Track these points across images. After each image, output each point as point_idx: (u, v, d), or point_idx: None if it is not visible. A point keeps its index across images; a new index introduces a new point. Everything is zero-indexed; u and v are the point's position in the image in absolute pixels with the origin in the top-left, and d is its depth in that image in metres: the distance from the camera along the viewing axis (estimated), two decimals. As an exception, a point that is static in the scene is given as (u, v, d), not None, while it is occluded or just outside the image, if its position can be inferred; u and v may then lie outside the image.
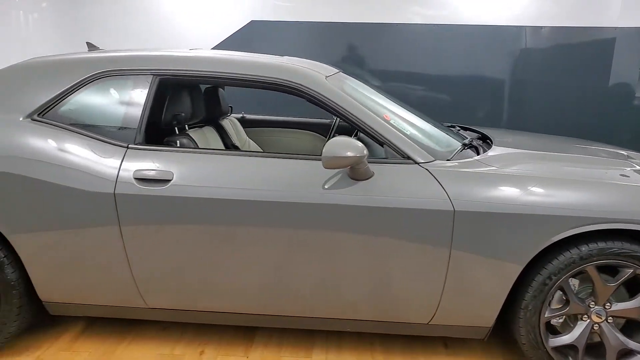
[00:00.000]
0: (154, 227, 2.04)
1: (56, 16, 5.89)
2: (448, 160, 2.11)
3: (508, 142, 2.56)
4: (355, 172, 1.98)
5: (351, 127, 3.04)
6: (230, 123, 3.16)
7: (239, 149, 3.09)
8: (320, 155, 1.99)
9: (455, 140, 2.41)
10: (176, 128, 2.40)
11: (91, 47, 2.77)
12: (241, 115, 3.58)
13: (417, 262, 2.03)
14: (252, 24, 6.08)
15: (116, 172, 2.04)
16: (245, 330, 2.53)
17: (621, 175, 2.12)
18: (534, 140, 2.77)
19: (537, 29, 5.67)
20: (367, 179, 2.01)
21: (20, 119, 2.13)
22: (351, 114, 2.09)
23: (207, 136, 2.65)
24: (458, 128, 3.03)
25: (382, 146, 2.09)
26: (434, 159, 2.08)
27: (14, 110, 2.15)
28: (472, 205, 1.96)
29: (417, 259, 2.03)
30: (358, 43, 5.87)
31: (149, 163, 2.05)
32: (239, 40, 6.08)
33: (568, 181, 2.02)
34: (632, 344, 2.10)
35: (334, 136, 3.11)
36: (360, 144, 1.91)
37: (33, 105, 2.15)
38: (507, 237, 1.98)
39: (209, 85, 2.93)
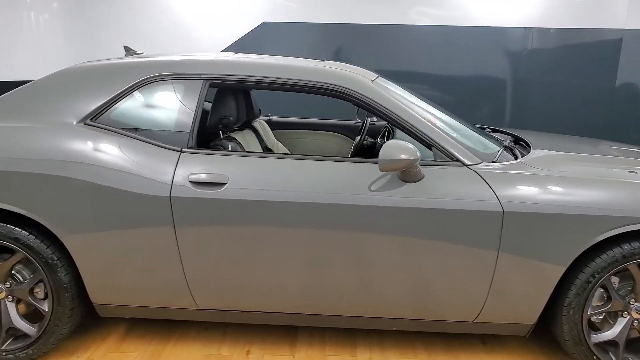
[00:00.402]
0: (208, 229, 2.08)
1: (66, 17, 5.89)
2: (493, 162, 2.16)
3: (545, 144, 2.62)
4: (408, 174, 2.03)
5: (390, 129, 3.08)
6: (261, 125, 3.20)
7: (272, 151, 3.12)
8: (365, 158, 2.04)
9: (492, 143, 2.47)
10: (221, 131, 2.43)
11: (129, 50, 2.80)
12: (268, 117, 3.62)
13: (465, 262, 2.08)
14: (264, 26, 6.11)
15: (171, 176, 2.07)
16: (286, 329, 2.57)
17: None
18: (569, 143, 2.83)
19: (546, 31, 5.75)
20: (418, 181, 2.06)
21: (74, 123, 2.16)
22: (400, 117, 2.14)
23: (247, 139, 2.69)
24: (489, 130, 3.09)
25: (430, 149, 2.14)
26: (480, 161, 2.13)
27: (67, 115, 2.18)
28: (521, 206, 2.02)
29: (466, 259, 2.08)
30: (369, 44, 5.92)
31: (204, 167, 2.09)
32: (251, 41, 6.11)
33: (611, 182, 2.09)
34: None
35: (365, 138, 3.16)
36: (413, 147, 1.96)
37: (86, 109, 2.18)
38: (553, 237, 2.04)
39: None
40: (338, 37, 6.01)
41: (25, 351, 2.24)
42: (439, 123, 2.24)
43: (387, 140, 3.22)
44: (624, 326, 2.18)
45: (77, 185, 2.06)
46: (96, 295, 2.23)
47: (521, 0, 5.59)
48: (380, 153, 1.94)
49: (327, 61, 2.55)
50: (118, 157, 2.09)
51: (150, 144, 2.13)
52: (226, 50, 6.10)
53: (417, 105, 2.37)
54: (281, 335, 2.52)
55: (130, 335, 2.50)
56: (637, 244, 2.06)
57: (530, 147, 2.53)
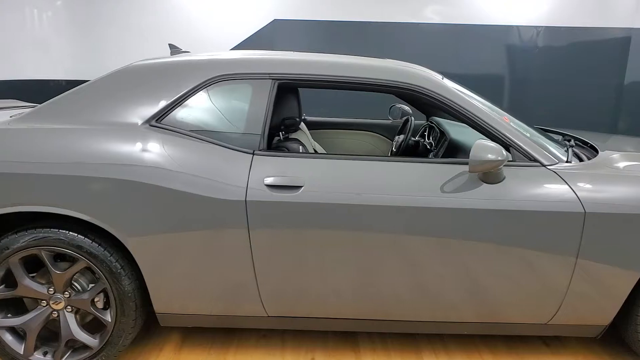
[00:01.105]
0: (284, 233, 2.00)
1: (71, 13, 5.71)
2: (567, 162, 2.13)
3: (608, 144, 2.60)
4: (491, 175, 1.99)
5: (431, 128, 3.04)
6: (302, 126, 3.13)
7: (317, 151, 3.06)
8: (444, 159, 1.99)
9: (557, 143, 2.44)
10: (281, 132, 2.36)
11: (173, 48, 2.70)
12: (302, 117, 3.55)
13: (543, 265, 2.05)
14: (275, 23, 6.03)
15: (246, 180, 1.99)
16: (345, 335, 2.51)
17: None
18: (627, 142, 2.81)
19: (557, 29, 5.80)
20: (500, 182, 2.01)
21: (139, 124, 2.06)
22: (477, 116, 2.10)
23: (302, 140, 2.62)
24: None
25: (507, 149, 2.10)
26: (557, 161, 2.10)
27: (131, 116, 2.08)
28: (602, 207, 1.99)
29: (544, 261, 2.05)
30: (380, 41, 5.89)
31: (279, 170, 2.01)
32: (261, 38, 6.03)
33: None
34: None
35: (409, 139, 3.11)
36: (501, 148, 1.91)
37: (151, 110, 2.08)
38: (633, 237, 2.01)
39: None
40: (349, 35, 5.96)
41: (86, 364, 2.14)
42: (513, 123, 2.20)
43: (428, 139, 3.18)
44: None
45: (145, 189, 1.97)
46: (160, 303, 2.14)
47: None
48: (472, 155, 1.89)
49: (389, 59, 2.49)
50: (188, 160, 2.00)
51: (221, 146, 2.04)
52: (236, 48, 6.01)
53: (486, 105, 2.33)
54: (341, 341, 2.46)
55: (186, 345, 2.41)
56: None
57: (593, 147, 2.50)
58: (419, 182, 2.02)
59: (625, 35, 6.08)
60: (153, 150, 2.00)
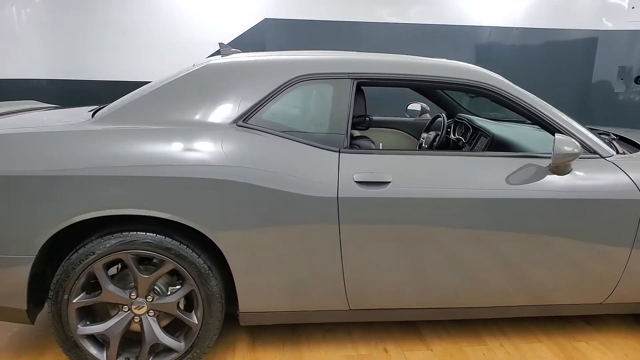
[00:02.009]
0: (371, 229, 2.07)
1: (52, 11, 5.48)
2: (619, 154, 2.32)
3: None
4: (563, 168, 2.14)
5: (458, 124, 3.17)
6: None
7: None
8: (525, 153, 2.13)
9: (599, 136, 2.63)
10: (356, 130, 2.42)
11: (224, 47, 2.69)
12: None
13: (603, 248, 2.22)
14: (266, 22, 6.03)
15: (336, 177, 2.04)
16: (407, 325, 2.60)
17: None
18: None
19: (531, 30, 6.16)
20: (568, 173, 2.17)
21: (227, 124, 2.06)
22: (543, 113, 2.24)
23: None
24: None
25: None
26: (612, 153, 2.28)
27: (217, 116, 2.07)
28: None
29: (605, 246, 2.22)
30: (371, 41, 6.02)
31: (367, 166, 2.07)
32: (252, 37, 6.01)
33: None
34: None
35: (442, 135, 3.23)
36: (576, 141, 2.06)
37: (238, 110, 2.08)
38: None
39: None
40: (340, 35, 6.05)
41: (172, 367, 2.11)
42: (569, 118, 2.36)
43: (455, 134, 3.33)
44: None
45: (239, 188, 1.97)
46: (246, 302, 2.14)
47: (513, 1, 5.95)
48: (555, 148, 2.02)
49: (444, 59, 2.59)
50: (278, 159, 2.03)
51: (307, 145, 2.08)
52: (229, 45, 5.96)
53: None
54: (406, 331, 2.55)
55: (258, 343, 2.42)
56: None
57: (629, 141, 2.71)
58: (499, 175, 2.13)
59: (592, 36, 6.51)
60: (244, 150, 2.01)
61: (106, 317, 2.12)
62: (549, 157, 2.21)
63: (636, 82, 6.49)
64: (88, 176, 1.91)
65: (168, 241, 2.00)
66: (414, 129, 3.73)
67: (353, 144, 2.34)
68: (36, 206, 1.90)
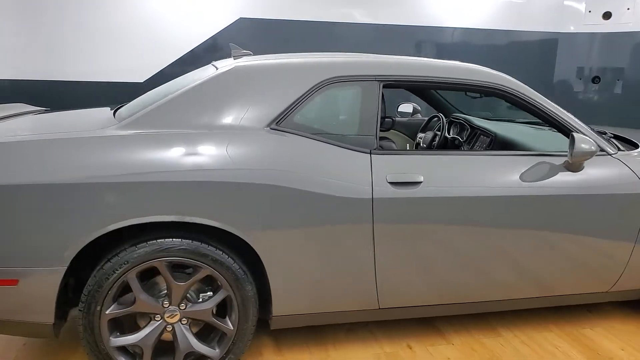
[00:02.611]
0: (404, 228, 2.11)
1: (17, 9, 5.22)
2: (621, 150, 2.47)
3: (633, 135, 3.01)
4: (577, 165, 2.26)
5: (451, 124, 3.28)
6: None
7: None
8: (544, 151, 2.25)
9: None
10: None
11: (235, 49, 2.66)
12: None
13: (611, 240, 2.37)
14: (241, 21, 5.98)
15: (370, 178, 2.07)
16: (425, 321, 2.67)
17: None
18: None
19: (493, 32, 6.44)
20: (581, 170, 2.29)
21: (261, 128, 2.05)
22: (555, 114, 2.36)
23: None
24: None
25: None
26: (617, 150, 2.43)
27: (251, 120, 2.06)
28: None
29: (611, 237, 2.36)
30: (346, 42, 6.09)
31: (398, 167, 2.12)
32: (226, 37, 5.94)
33: None
34: None
35: (442, 135, 3.32)
36: (592, 140, 2.19)
37: (270, 113, 2.07)
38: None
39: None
40: (315, 35, 6.09)
41: (206, 375, 2.08)
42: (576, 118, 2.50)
43: (450, 134, 3.43)
44: None
45: (276, 192, 1.97)
46: (280, 305, 2.14)
47: (478, 4, 6.20)
48: (575, 146, 2.14)
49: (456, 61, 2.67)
50: (312, 162, 2.03)
51: (339, 146, 2.10)
52: (200, 46, 5.86)
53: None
54: (424, 327, 2.61)
55: (283, 346, 2.42)
56: None
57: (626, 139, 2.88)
58: (518, 173, 2.23)
59: (553, 38, 6.86)
60: (279, 153, 2.01)
61: (134, 328, 2.06)
62: (561, 155, 2.33)
63: (593, 82, 6.88)
64: (125, 183, 1.85)
65: (204, 247, 1.97)
66: (408, 129, 3.81)
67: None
68: (69, 215, 1.83)
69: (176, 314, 2.03)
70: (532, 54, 6.82)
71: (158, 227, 1.99)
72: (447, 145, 3.43)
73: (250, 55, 2.66)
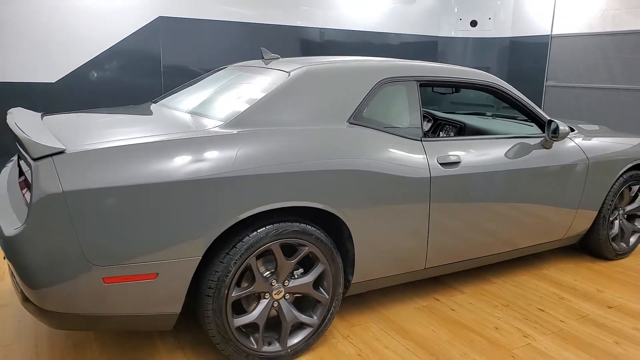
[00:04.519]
0: (450, 199, 2.63)
1: None
2: (572, 131, 3.30)
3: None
4: (550, 144, 3.02)
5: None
6: None
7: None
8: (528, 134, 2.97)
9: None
10: None
11: (267, 53, 2.90)
12: None
13: (566, 197, 3.18)
14: (160, 20, 5.96)
15: (426, 161, 2.55)
16: (434, 280, 3.23)
17: None
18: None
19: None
20: (551, 148, 3.06)
21: (345, 122, 2.39)
22: (531, 106, 3.08)
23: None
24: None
25: (543, 127, 3.14)
26: (571, 131, 3.25)
27: (336, 117, 2.38)
28: (599, 157, 3.23)
29: (568, 194, 3.18)
30: (265, 43, 6.45)
31: (443, 151, 2.62)
32: (145, 36, 5.88)
33: (624, 137, 3.48)
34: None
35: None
36: (565, 124, 2.95)
37: (348, 109, 2.42)
38: (606, 177, 3.32)
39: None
40: (234, 35, 6.32)
41: (307, 341, 2.36)
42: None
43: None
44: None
45: (361, 176, 2.33)
46: (359, 273, 2.50)
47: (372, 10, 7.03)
48: (561, 130, 2.87)
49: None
50: (383, 150, 2.44)
51: (400, 136, 2.53)
52: (118, 45, 5.69)
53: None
54: (438, 285, 3.17)
55: (346, 313, 2.77)
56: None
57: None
58: (528, 151, 2.93)
59: (433, 40, 7.98)
60: (361, 143, 2.38)
61: (243, 308, 2.26)
62: (534, 137, 3.06)
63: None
64: (253, 175, 2.06)
65: (309, 228, 2.26)
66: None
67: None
68: (207, 207, 1.98)
69: (281, 291, 2.28)
70: (417, 54, 7.86)
71: (265, 214, 2.22)
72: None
73: (278, 58, 2.94)
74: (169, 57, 6.05)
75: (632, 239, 3.76)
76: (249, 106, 2.28)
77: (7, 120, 2.20)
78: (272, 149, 2.15)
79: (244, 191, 2.05)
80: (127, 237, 1.87)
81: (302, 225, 2.24)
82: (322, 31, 6.77)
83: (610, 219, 3.57)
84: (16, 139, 2.03)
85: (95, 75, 5.78)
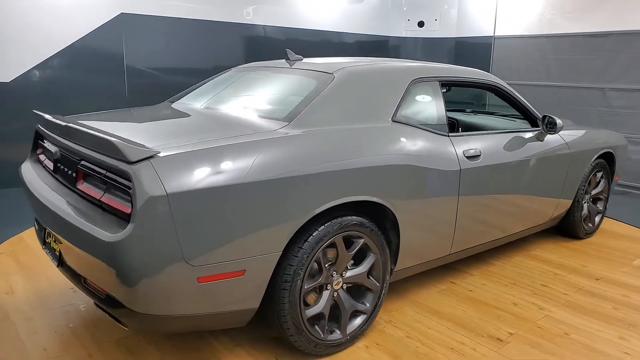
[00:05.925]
0: (474, 189, 2.88)
1: None
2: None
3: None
4: (543, 136, 3.37)
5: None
6: None
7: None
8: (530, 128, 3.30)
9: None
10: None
11: (290, 54, 2.99)
12: None
13: (553, 184, 3.57)
14: (122, 17, 5.81)
15: (455, 154, 2.77)
16: (443, 267, 3.47)
17: None
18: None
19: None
20: (543, 140, 3.41)
21: (389, 121, 2.55)
22: (526, 104, 3.41)
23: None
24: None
25: (535, 122, 3.49)
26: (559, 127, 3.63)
27: (381, 115, 2.54)
28: (578, 146, 3.65)
29: (555, 181, 3.57)
30: (228, 41, 6.47)
31: (467, 145, 2.86)
32: (106, 33, 5.72)
33: (594, 130, 3.93)
34: None
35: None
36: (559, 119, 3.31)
37: (389, 108, 2.58)
38: (583, 163, 3.75)
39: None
40: (196, 32, 6.29)
41: (362, 327, 2.50)
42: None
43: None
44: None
45: (406, 170, 2.51)
46: (403, 260, 2.67)
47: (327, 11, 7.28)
48: (558, 124, 3.21)
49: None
50: (421, 145, 2.63)
51: (432, 132, 2.74)
52: (79, 41, 5.46)
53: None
54: (449, 270, 3.42)
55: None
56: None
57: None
58: (532, 143, 3.26)
59: (384, 40, 8.33)
60: (404, 140, 2.55)
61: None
62: (530, 131, 3.40)
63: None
64: (325, 172, 2.17)
65: (366, 221, 2.40)
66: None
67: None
68: (287, 203, 2.06)
69: (340, 281, 2.40)
70: (374, 52, 8.17)
71: (328, 210, 2.32)
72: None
73: (301, 59, 3.04)
74: (133, 56, 5.86)
75: (597, 219, 4.25)
76: (306, 107, 2.37)
77: (71, 125, 2.13)
78: (337, 147, 2.27)
79: (319, 187, 2.15)
80: (220, 236, 1.91)
81: (360, 218, 2.37)
82: (286, 30, 6.86)
83: (582, 202, 4.02)
84: (78, 142, 2.02)
85: (54, 74, 5.48)
